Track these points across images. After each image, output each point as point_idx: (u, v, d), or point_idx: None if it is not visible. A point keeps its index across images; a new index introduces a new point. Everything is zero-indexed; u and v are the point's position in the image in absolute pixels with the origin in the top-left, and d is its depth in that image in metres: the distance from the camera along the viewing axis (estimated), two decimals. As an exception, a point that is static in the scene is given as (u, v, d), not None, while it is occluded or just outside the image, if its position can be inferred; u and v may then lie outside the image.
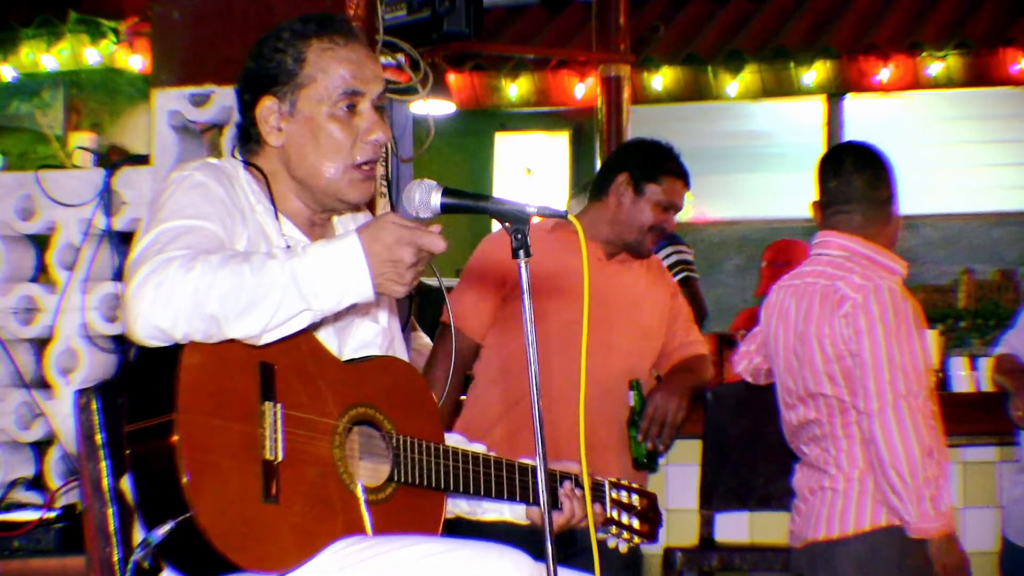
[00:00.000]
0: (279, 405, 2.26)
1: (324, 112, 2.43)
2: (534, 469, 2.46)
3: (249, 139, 2.49)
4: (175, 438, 2.15)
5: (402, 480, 2.41)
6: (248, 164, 2.47)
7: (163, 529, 2.13)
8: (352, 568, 2.25)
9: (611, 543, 2.69)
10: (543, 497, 2.21)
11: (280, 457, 2.25)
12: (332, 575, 2.25)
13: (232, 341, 2.20)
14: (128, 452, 2.21)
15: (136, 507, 2.22)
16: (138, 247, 2.26)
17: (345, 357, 2.46)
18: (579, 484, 2.58)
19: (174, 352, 2.19)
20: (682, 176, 3.89)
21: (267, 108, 2.44)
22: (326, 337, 2.43)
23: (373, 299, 2.25)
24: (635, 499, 2.72)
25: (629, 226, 3.83)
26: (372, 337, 2.55)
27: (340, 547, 2.28)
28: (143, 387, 2.23)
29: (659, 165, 3.86)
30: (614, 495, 2.69)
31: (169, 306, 2.14)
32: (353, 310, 2.48)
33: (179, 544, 2.16)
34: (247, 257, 2.20)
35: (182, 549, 2.17)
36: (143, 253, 2.23)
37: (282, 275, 2.17)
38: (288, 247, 2.38)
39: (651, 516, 2.74)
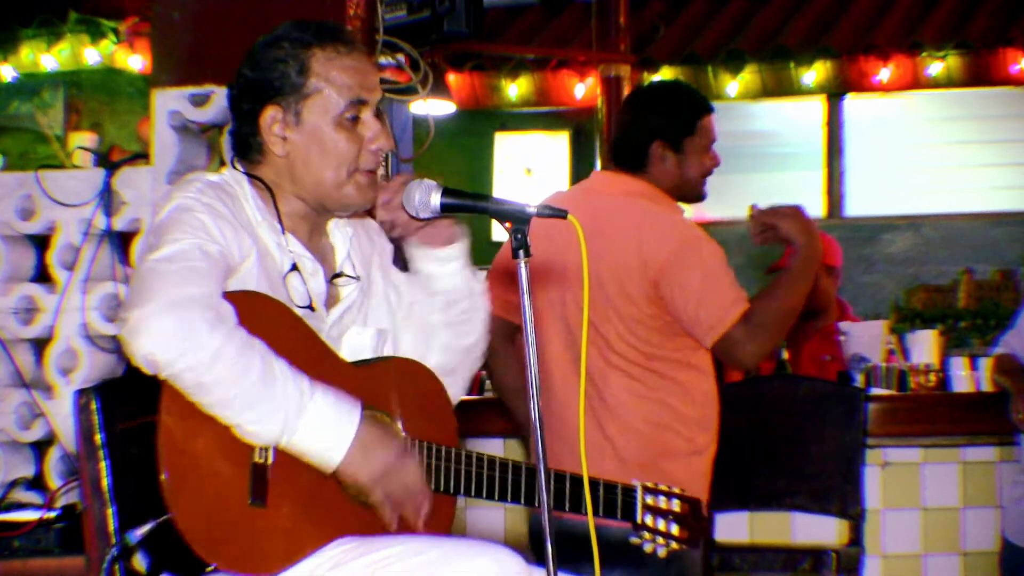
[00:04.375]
0: None
1: (330, 122, 2.43)
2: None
3: (249, 148, 2.47)
4: (159, 439, 2.16)
5: None
6: (252, 178, 2.46)
7: (142, 529, 2.15)
8: (345, 565, 2.26)
9: (647, 548, 2.64)
10: (544, 496, 2.21)
11: (270, 460, 2.25)
12: (325, 574, 2.26)
13: (227, 341, 2.18)
14: (118, 449, 2.23)
15: (119, 505, 2.25)
16: (152, 258, 2.24)
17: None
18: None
19: None
20: (708, 109, 3.68)
21: (271, 118, 2.43)
22: None
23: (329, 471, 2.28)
24: (675, 503, 2.65)
25: (688, 184, 3.63)
26: (365, 341, 2.54)
27: (332, 546, 2.29)
28: (133, 387, 2.23)
29: (688, 116, 3.63)
30: (649, 500, 2.62)
31: (180, 347, 2.14)
32: (346, 318, 2.51)
33: (161, 544, 2.18)
34: (266, 357, 2.21)
35: (165, 549, 2.19)
36: (160, 269, 2.21)
37: (286, 401, 2.19)
38: (294, 265, 2.41)
39: (692, 522, 2.67)
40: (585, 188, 3.69)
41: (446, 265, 2.57)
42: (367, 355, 2.52)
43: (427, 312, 2.60)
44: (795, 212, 3.55)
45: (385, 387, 2.44)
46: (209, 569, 2.21)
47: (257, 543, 2.22)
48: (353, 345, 2.52)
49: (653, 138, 3.60)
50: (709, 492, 3.52)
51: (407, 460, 2.33)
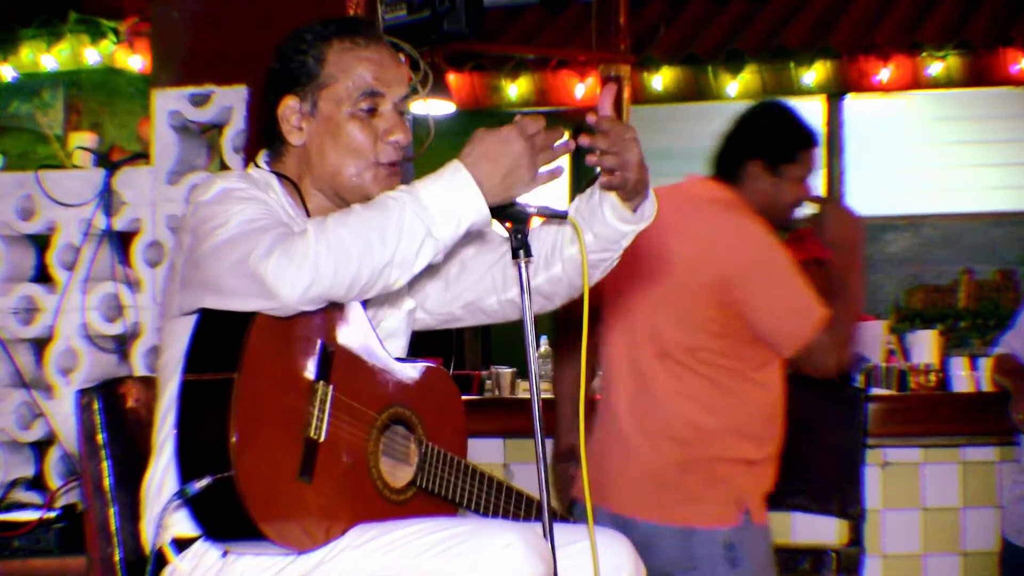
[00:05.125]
0: (331, 387, 2.29)
1: (344, 112, 2.44)
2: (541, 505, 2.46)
3: (272, 140, 2.49)
4: (233, 396, 2.16)
5: (423, 487, 2.45)
6: (281, 176, 2.47)
7: (201, 483, 2.14)
8: (365, 545, 2.27)
9: None
10: (544, 497, 2.23)
11: (323, 437, 2.28)
12: (343, 552, 2.27)
13: (299, 318, 2.21)
14: (181, 399, 2.22)
15: (176, 459, 2.23)
16: (221, 233, 2.23)
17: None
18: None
19: (246, 316, 2.20)
20: (814, 141, 3.67)
21: (288, 107, 2.45)
22: None
23: (488, 220, 2.25)
24: None
25: (775, 210, 3.61)
26: (398, 325, 2.57)
27: (350, 530, 2.31)
28: (211, 341, 2.23)
29: (792, 144, 3.63)
30: None
31: (300, 265, 2.15)
32: (381, 299, 2.50)
33: (212, 502, 2.18)
34: (350, 207, 2.25)
35: (214, 508, 2.19)
36: (238, 232, 2.21)
37: (397, 205, 2.21)
38: None
39: None
40: (678, 187, 3.64)
41: (629, 225, 2.49)
42: (400, 338, 2.56)
43: (557, 240, 2.54)
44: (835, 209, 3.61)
45: (415, 388, 2.48)
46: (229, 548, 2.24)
47: (299, 517, 2.25)
48: (389, 328, 2.54)
49: (753, 155, 3.59)
50: (764, 503, 3.51)
51: (515, 136, 2.30)
